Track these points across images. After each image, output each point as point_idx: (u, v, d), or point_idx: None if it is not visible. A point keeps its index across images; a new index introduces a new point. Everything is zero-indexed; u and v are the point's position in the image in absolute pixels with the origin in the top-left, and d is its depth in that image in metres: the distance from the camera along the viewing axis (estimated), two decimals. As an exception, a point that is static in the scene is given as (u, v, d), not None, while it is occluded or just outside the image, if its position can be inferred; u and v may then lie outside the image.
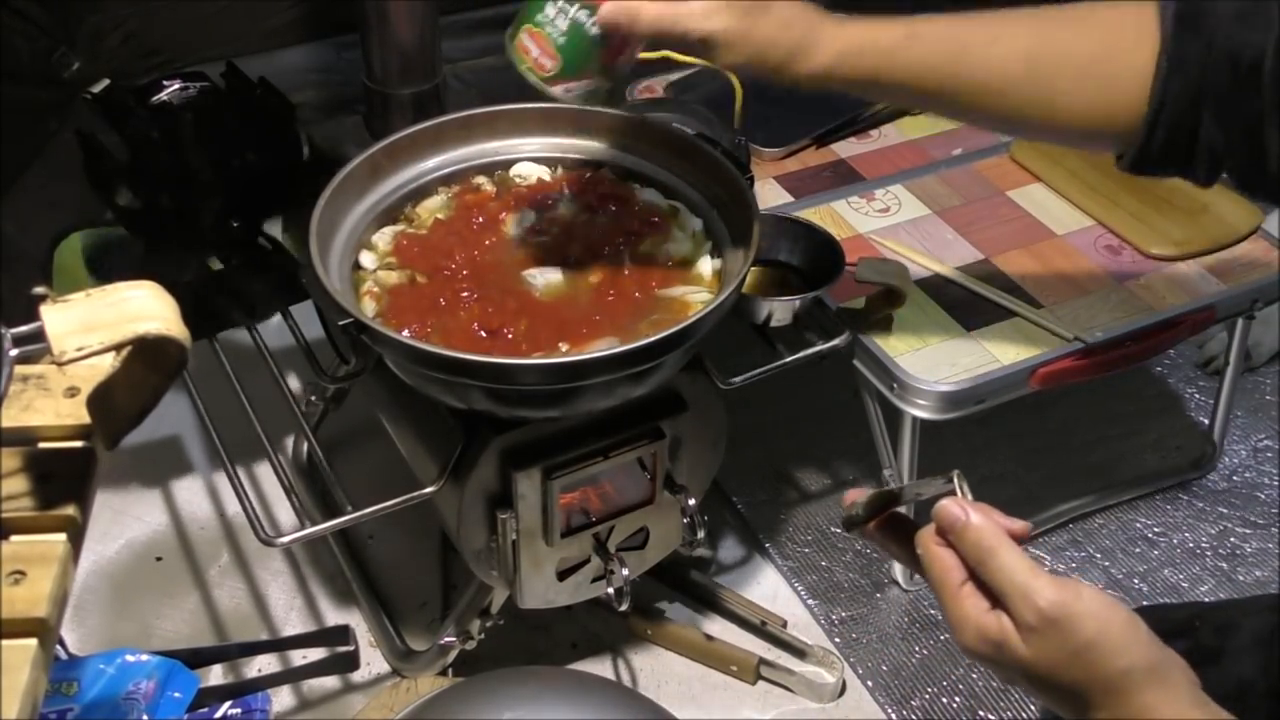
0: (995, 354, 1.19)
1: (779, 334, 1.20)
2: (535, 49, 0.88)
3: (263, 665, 1.29)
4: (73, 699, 1.01)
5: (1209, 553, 1.46)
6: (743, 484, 1.50)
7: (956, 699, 1.30)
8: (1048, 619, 0.62)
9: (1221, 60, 0.81)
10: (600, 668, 1.31)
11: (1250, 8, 0.80)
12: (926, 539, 0.67)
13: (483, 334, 0.96)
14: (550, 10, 0.86)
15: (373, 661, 1.31)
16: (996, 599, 0.64)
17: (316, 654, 1.25)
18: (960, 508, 0.65)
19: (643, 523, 1.15)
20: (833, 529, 1.46)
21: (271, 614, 1.36)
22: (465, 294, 0.99)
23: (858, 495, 0.72)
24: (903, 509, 0.73)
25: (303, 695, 1.28)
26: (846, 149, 1.47)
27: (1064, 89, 0.86)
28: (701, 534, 1.14)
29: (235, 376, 1.13)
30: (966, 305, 1.25)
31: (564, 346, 0.96)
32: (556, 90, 0.90)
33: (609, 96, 0.94)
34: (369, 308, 0.99)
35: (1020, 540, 0.65)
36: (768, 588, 1.41)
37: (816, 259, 1.20)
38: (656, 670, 1.32)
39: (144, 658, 1.04)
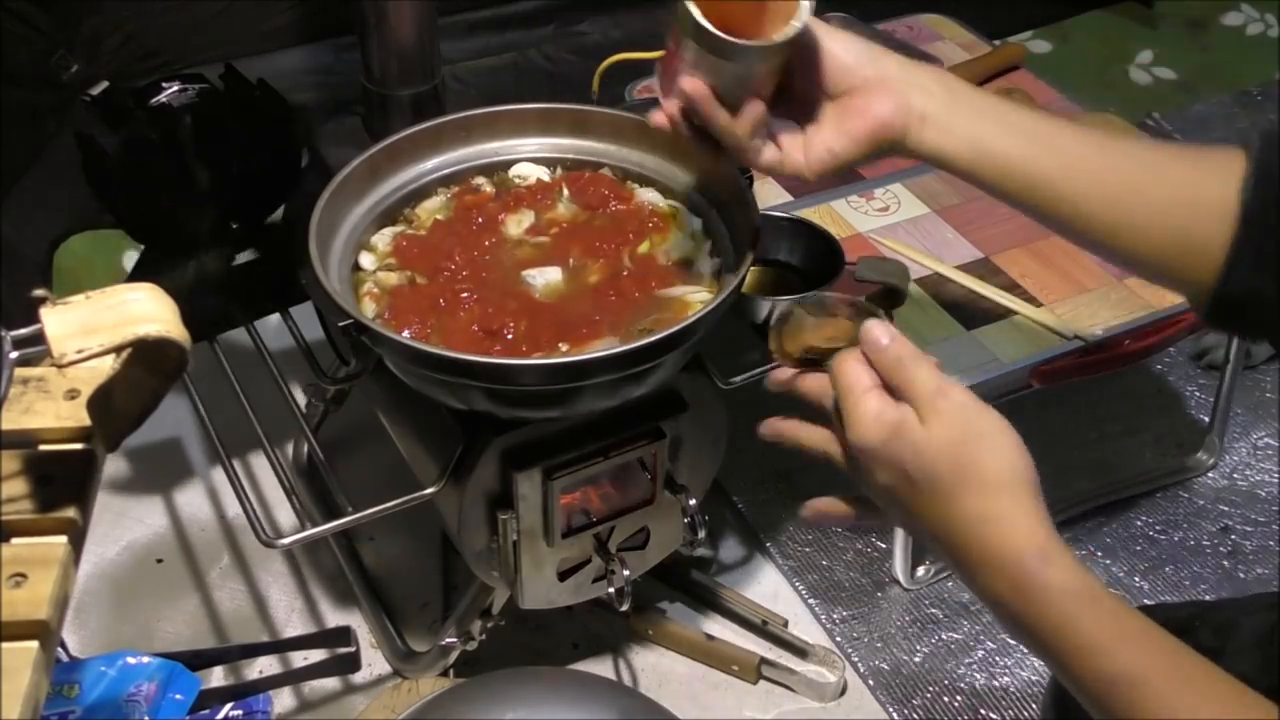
0: (995, 352, 1.19)
1: (779, 333, 1.19)
2: None
3: (264, 667, 1.29)
4: (74, 701, 1.01)
5: (1209, 550, 1.46)
6: (743, 484, 1.50)
7: (958, 698, 1.30)
8: (956, 404, 0.65)
9: None
10: (601, 668, 1.31)
11: None
12: (843, 355, 0.69)
13: (483, 334, 0.96)
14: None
15: (374, 663, 1.31)
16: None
17: (318, 655, 1.25)
18: (886, 330, 0.67)
19: (643, 523, 1.15)
20: (833, 528, 1.46)
21: (272, 615, 1.36)
22: (465, 294, 0.99)
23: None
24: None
25: (304, 697, 1.28)
26: (846, 148, 1.46)
27: (1142, 232, 0.81)
28: (702, 534, 1.14)
29: (235, 377, 1.13)
30: (966, 304, 1.25)
31: (564, 347, 0.96)
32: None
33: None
34: (369, 309, 0.99)
35: None
36: (768, 587, 1.41)
37: (816, 258, 1.20)
38: (658, 670, 1.32)
39: (145, 660, 1.04)
